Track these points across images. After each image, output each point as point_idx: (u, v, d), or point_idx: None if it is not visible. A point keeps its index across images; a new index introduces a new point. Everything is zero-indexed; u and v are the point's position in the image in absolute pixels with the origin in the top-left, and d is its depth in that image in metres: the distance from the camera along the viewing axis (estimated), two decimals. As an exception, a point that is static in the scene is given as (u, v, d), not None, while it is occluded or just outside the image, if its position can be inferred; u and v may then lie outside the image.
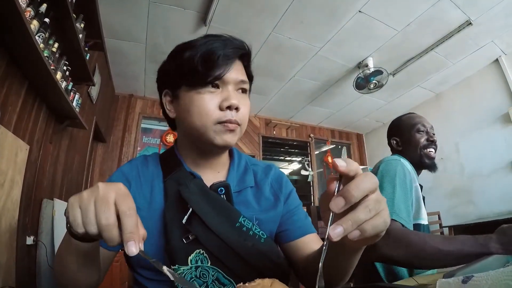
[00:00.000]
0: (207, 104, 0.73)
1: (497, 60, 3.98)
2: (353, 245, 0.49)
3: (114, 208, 0.44)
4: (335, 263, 0.61)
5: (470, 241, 0.99)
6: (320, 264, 0.43)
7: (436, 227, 4.03)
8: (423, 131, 1.46)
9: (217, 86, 0.75)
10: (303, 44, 3.50)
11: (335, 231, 0.38)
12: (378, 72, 3.71)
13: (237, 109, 0.75)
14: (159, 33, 3.23)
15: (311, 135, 5.96)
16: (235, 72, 0.77)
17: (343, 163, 0.41)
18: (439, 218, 4.15)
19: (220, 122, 0.74)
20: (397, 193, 1.19)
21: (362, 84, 3.88)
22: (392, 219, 1.13)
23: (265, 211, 0.83)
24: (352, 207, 0.40)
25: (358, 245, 0.50)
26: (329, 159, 5.81)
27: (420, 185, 1.42)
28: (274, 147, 5.73)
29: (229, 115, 0.74)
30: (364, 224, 0.39)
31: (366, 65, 3.76)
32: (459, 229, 3.51)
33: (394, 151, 1.57)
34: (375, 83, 3.84)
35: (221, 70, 0.73)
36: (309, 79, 4.29)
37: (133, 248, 0.43)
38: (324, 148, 6.22)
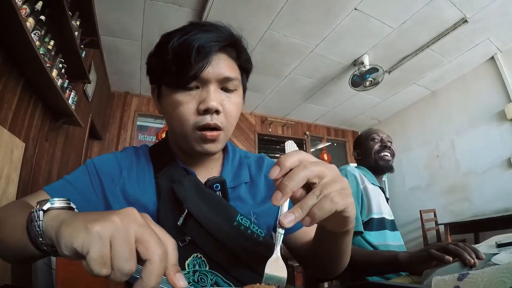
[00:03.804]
0: (185, 108, 0.67)
1: (492, 57, 4.00)
2: (331, 227, 0.52)
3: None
4: (324, 245, 0.64)
5: (382, 252, 1.19)
6: (278, 249, 0.47)
7: (432, 225, 4.05)
8: (377, 140, 1.65)
9: (196, 86, 0.68)
10: (299, 42, 3.49)
11: (287, 219, 0.41)
12: (373, 70, 3.73)
13: (217, 111, 0.68)
14: (155, 30, 3.20)
15: (307, 132, 5.97)
16: (216, 68, 0.68)
17: (274, 172, 0.44)
18: (435, 215, 4.17)
19: (199, 128, 0.68)
20: None
21: (358, 81, 3.89)
22: None
23: (261, 204, 0.81)
24: None
25: (333, 227, 0.52)
26: (325, 156, 5.82)
27: (380, 187, 1.59)
28: (270, 145, 5.73)
29: (208, 118, 0.67)
30: (312, 209, 0.41)
31: (362, 63, 3.77)
32: (454, 227, 3.51)
33: (356, 162, 1.77)
34: (371, 81, 3.86)
35: (197, 67, 0.65)
36: (305, 77, 4.30)
37: (185, 280, 0.37)
38: (320, 146, 6.23)
